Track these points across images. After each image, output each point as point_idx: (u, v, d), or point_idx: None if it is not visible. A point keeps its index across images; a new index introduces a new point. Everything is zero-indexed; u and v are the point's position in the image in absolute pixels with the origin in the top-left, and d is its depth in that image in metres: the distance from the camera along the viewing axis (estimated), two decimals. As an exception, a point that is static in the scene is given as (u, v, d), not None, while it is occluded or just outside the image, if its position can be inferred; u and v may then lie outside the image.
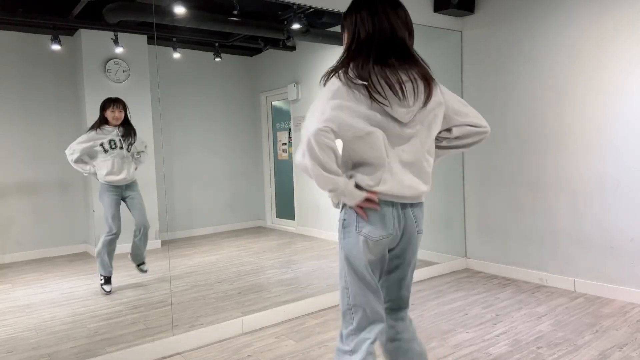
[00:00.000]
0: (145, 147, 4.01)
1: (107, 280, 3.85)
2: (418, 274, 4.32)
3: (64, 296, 3.74)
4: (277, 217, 5.98)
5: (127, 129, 3.83)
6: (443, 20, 4.45)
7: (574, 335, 3.04)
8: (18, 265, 4.00)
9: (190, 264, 4.59)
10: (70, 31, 4.09)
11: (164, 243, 4.27)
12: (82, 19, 4.05)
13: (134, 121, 4.00)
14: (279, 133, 5.99)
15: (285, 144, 5.94)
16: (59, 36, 4.00)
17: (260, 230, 5.79)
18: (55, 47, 4.01)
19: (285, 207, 5.94)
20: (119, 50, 4.12)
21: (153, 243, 4.25)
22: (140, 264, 4.03)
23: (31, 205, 4.03)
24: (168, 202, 4.55)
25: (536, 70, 4.06)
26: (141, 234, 3.91)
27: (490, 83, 4.41)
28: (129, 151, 3.84)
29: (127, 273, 4.12)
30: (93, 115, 4.04)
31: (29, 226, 4.03)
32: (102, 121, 3.76)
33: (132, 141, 3.86)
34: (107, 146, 3.74)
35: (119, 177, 3.81)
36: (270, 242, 5.59)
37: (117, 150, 3.77)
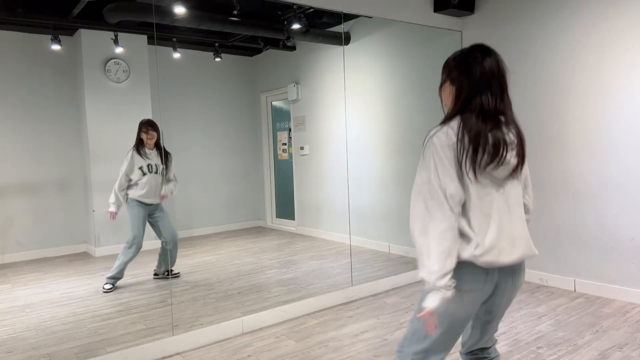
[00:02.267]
0: (174, 175, 4.14)
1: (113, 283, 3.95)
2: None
3: (63, 296, 3.75)
4: (277, 217, 5.98)
5: (161, 155, 4.01)
6: (443, 20, 4.45)
7: (574, 335, 3.04)
8: (18, 265, 4.00)
9: (190, 264, 4.59)
10: (70, 31, 4.09)
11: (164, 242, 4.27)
12: (82, 19, 4.05)
13: (133, 120, 4.00)
14: (279, 133, 5.99)
15: (285, 144, 5.94)
16: (59, 36, 4.00)
17: (260, 230, 5.79)
18: (55, 47, 4.02)
19: (285, 207, 5.95)
20: (119, 50, 4.12)
21: (153, 243, 4.25)
22: (171, 271, 4.16)
23: (31, 205, 4.03)
24: (168, 202, 4.55)
25: (536, 71, 4.06)
26: (172, 245, 4.06)
27: (490, 83, 4.40)
28: (163, 175, 4.03)
29: (127, 273, 4.11)
30: (93, 115, 4.05)
31: (29, 226, 4.03)
32: (139, 142, 3.92)
33: (166, 166, 4.04)
34: (145, 170, 3.91)
35: (152, 201, 3.97)
36: (270, 242, 5.59)
37: (153, 174, 3.95)
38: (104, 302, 3.65)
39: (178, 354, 2.93)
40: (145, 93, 4.21)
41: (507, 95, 1.60)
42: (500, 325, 3.24)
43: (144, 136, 3.89)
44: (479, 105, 1.53)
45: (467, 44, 4.57)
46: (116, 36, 4.09)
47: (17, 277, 3.94)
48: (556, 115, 3.95)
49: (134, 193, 3.92)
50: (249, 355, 2.88)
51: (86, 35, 4.05)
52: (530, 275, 4.19)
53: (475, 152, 1.48)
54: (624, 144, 3.57)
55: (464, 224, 1.51)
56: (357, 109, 4.98)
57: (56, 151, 4.12)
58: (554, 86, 3.95)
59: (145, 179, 3.91)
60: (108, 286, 3.86)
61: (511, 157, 1.58)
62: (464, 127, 1.50)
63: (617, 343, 2.90)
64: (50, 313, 3.45)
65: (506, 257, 1.53)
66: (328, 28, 4.98)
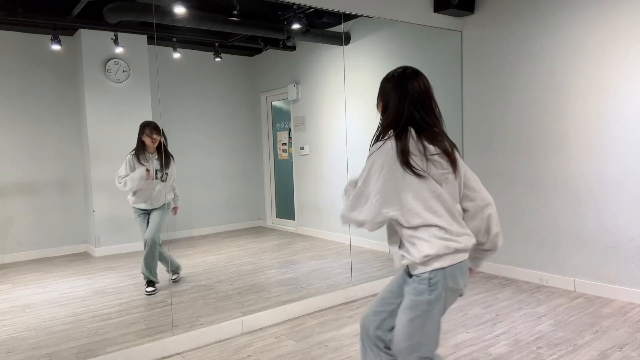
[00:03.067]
0: (173, 181, 4.02)
1: (149, 284, 3.86)
2: (418, 274, 4.32)
3: (63, 296, 3.75)
4: (277, 217, 5.98)
5: (166, 160, 3.84)
6: (443, 20, 4.45)
7: (574, 335, 3.04)
8: (18, 265, 4.00)
9: (190, 264, 4.59)
10: (70, 31, 4.09)
11: (164, 243, 4.27)
12: (82, 19, 4.05)
13: (134, 121, 4.00)
14: (279, 133, 5.99)
15: (285, 144, 5.94)
16: (59, 36, 4.00)
17: (260, 230, 5.79)
18: (55, 47, 4.02)
19: (285, 207, 5.94)
20: (119, 50, 4.12)
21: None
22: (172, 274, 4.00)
23: (31, 205, 4.03)
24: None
25: (536, 70, 4.06)
26: (147, 246, 3.84)
27: (490, 83, 4.41)
28: (163, 181, 3.87)
29: (128, 273, 4.12)
30: (93, 115, 4.05)
31: (29, 226, 4.03)
32: (140, 146, 3.77)
33: (168, 171, 3.87)
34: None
35: (148, 206, 3.88)
36: (270, 242, 5.59)
37: (154, 181, 3.83)
38: (104, 302, 3.65)
39: (178, 354, 2.93)
40: (145, 93, 4.21)
41: (436, 111, 1.79)
42: (500, 325, 3.24)
43: (146, 139, 3.73)
44: (409, 119, 1.74)
45: (467, 44, 4.59)
46: (116, 36, 4.09)
47: (17, 277, 3.94)
48: (556, 115, 3.95)
49: (131, 199, 3.84)
50: (249, 355, 2.88)
51: (86, 35, 4.05)
52: (530, 275, 4.19)
53: (406, 161, 1.70)
54: (624, 144, 3.57)
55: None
56: (357, 109, 4.97)
57: (56, 151, 4.12)
58: (554, 86, 3.95)
59: (143, 184, 3.79)
60: (150, 289, 3.83)
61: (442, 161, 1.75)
62: (398, 141, 1.71)
63: (617, 343, 2.90)
64: (50, 313, 3.45)
65: None
66: (328, 28, 4.98)
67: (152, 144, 3.77)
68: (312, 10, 4.33)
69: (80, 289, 3.86)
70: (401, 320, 1.77)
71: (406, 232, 1.74)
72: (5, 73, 3.89)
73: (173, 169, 3.94)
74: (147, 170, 3.74)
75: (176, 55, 4.75)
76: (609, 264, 3.71)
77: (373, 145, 1.81)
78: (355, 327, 3.27)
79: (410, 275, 1.79)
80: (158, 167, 3.82)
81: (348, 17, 4.19)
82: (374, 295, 3.96)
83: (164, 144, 3.82)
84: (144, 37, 4.26)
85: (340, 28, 4.22)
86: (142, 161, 3.75)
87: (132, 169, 3.75)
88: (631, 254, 3.58)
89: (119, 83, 4.13)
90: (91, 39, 4.06)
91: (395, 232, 1.80)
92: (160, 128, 3.82)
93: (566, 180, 3.92)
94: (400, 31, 4.82)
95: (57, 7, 4.03)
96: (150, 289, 3.83)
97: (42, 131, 4.06)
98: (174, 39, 4.68)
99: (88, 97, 4.03)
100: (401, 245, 1.79)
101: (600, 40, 3.65)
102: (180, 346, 2.97)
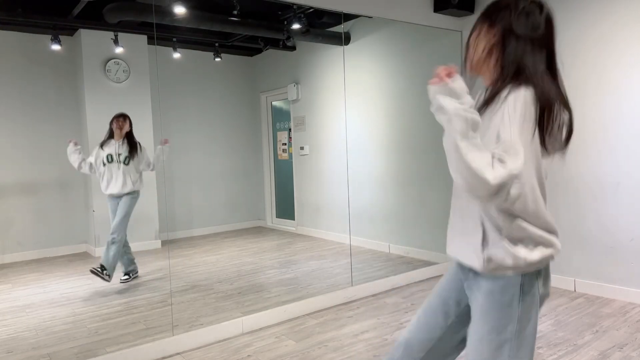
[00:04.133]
0: (146, 163, 4.05)
1: (102, 269, 3.80)
2: (419, 274, 4.32)
3: (64, 296, 3.75)
4: (277, 217, 5.98)
5: (129, 144, 3.95)
6: (443, 20, 4.45)
7: (574, 335, 3.04)
8: (18, 265, 4.00)
9: (190, 264, 4.59)
10: (70, 31, 4.09)
11: (164, 243, 4.27)
12: (82, 19, 4.05)
13: (134, 121, 4.00)
14: (279, 133, 5.99)
15: (285, 144, 5.94)
16: (59, 36, 4.00)
17: (260, 230, 5.79)
18: (55, 47, 4.02)
19: (285, 207, 5.94)
20: (119, 50, 4.13)
21: (153, 243, 4.26)
22: (125, 273, 3.99)
23: (31, 205, 4.03)
24: (168, 202, 4.55)
25: (536, 70, 4.06)
26: (111, 244, 3.85)
27: (490, 83, 4.41)
28: (126, 164, 3.93)
29: (127, 273, 4.11)
30: (93, 115, 4.05)
31: (29, 226, 4.03)
32: (109, 135, 3.92)
33: (132, 155, 3.94)
34: (105, 160, 3.89)
35: (113, 191, 3.92)
36: (270, 242, 5.59)
37: (115, 163, 3.90)
38: (104, 302, 3.65)
39: (178, 354, 2.93)
40: (145, 93, 4.21)
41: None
42: (500, 325, 3.24)
43: (114, 125, 3.88)
44: (542, 69, 1.26)
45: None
46: (116, 36, 4.10)
47: (17, 277, 3.94)
48: (556, 115, 3.95)
49: (102, 187, 3.92)
50: (249, 355, 2.88)
51: (86, 35, 4.05)
52: (530, 275, 4.19)
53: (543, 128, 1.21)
54: (623, 144, 3.57)
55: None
56: (357, 109, 4.98)
57: (56, 151, 4.12)
58: (554, 86, 3.95)
59: (104, 169, 3.88)
60: (107, 278, 3.87)
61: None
62: (541, 96, 1.21)
63: (617, 343, 2.90)
64: (50, 313, 3.45)
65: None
66: (328, 28, 4.98)
67: (119, 131, 3.90)
68: (312, 10, 4.33)
69: (80, 289, 3.86)
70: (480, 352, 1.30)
71: (510, 222, 1.23)
72: (5, 73, 3.89)
73: (141, 154, 3.99)
74: (72, 142, 3.83)
75: (176, 55, 4.75)
76: (609, 264, 3.71)
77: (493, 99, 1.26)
78: (355, 327, 3.27)
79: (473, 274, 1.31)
80: (121, 151, 3.91)
81: (348, 17, 4.20)
82: (374, 295, 3.96)
83: (128, 130, 3.97)
84: (144, 37, 4.27)
85: (340, 28, 4.22)
86: (104, 146, 3.89)
87: (95, 155, 3.90)
88: (631, 254, 3.58)
89: (119, 83, 4.13)
90: (91, 39, 4.06)
91: (475, 221, 1.29)
92: (127, 116, 3.94)
93: (566, 180, 3.92)
94: (400, 31, 4.82)
95: (57, 7, 4.03)
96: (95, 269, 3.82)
97: (42, 131, 4.06)
98: (174, 39, 4.68)
99: (88, 97, 4.03)
100: (487, 241, 1.26)
101: (599, 40, 3.65)
102: (180, 346, 2.97)
